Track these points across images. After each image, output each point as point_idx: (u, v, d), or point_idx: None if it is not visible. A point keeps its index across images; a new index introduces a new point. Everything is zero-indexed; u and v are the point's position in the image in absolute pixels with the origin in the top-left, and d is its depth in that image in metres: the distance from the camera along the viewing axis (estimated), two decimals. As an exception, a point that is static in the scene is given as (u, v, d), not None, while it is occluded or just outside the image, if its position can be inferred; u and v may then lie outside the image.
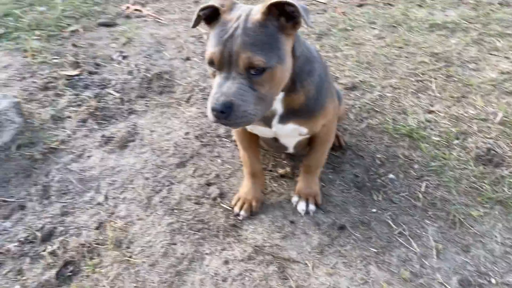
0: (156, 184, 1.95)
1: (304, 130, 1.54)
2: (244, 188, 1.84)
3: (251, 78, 1.20)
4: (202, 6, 1.30)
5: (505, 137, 2.10)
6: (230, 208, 1.82)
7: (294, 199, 1.84)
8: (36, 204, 1.86)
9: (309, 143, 1.76)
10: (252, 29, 1.18)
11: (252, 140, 1.77)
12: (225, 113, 1.18)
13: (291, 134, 1.57)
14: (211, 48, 1.21)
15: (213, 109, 1.19)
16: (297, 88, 1.41)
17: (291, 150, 1.78)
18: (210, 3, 1.28)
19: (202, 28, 3.10)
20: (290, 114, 1.47)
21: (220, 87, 1.19)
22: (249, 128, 1.61)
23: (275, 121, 1.49)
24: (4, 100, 2.12)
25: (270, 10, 1.20)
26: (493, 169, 1.94)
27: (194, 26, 1.37)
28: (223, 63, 1.20)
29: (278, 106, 1.45)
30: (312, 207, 1.80)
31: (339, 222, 1.76)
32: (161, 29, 3.13)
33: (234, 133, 1.79)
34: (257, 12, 1.21)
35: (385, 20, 3.12)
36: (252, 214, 1.80)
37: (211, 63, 1.23)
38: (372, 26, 3.08)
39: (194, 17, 1.34)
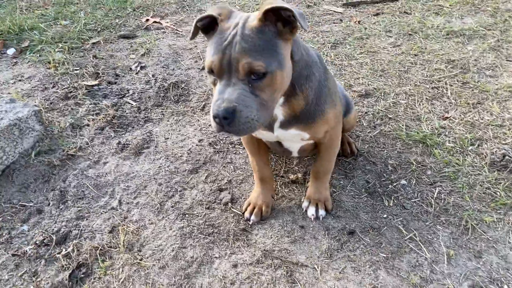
0: (169, 190, 1.99)
1: (306, 135, 1.55)
2: (254, 193, 1.86)
3: (252, 84, 1.22)
4: (199, 17, 1.33)
5: (521, 143, 2.06)
6: (240, 213, 1.84)
7: (304, 204, 1.84)
8: (53, 208, 1.92)
9: (316, 148, 1.77)
10: (250, 35, 1.20)
11: (261, 146, 1.79)
12: (228, 119, 1.18)
13: (293, 139, 1.58)
14: (210, 56, 1.23)
15: (216, 116, 1.19)
16: (297, 93, 1.42)
17: (295, 154, 1.78)
18: (208, 13, 1.31)
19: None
20: (292, 119, 1.49)
21: (221, 93, 1.20)
22: (254, 133, 1.63)
23: (276, 126, 1.51)
24: (25, 108, 2.20)
25: (267, 16, 1.22)
26: (508, 174, 1.91)
27: (192, 37, 1.40)
28: (223, 70, 1.21)
29: (279, 111, 1.47)
30: (322, 212, 1.80)
31: (349, 227, 1.76)
32: (179, 40, 3.20)
33: (243, 139, 1.81)
34: (254, 18, 1.23)
35: (401, 28, 3.11)
36: (262, 219, 1.81)
37: (211, 71, 1.25)
38: (388, 34, 3.07)
39: (192, 28, 1.37)
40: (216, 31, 1.26)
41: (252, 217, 1.80)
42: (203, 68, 2.83)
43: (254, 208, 1.82)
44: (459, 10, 3.23)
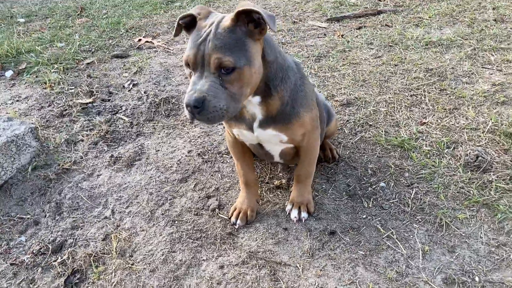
0: (159, 198, 2.08)
1: (284, 137, 1.65)
2: (240, 198, 1.95)
3: (222, 77, 1.34)
4: (181, 15, 1.47)
5: (494, 145, 2.16)
6: (227, 218, 1.93)
7: (288, 207, 1.94)
8: (49, 220, 2.01)
9: (297, 154, 1.87)
10: (222, 33, 1.33)
11: (245, 151, 1.90)
12: (199, 108, 1.30)
13: (273, 140, 1.69)
14: (187, 51, 1.36)
15: (187, 105, 1.32)
16: (272, 93, 1.54)
17: (277, 158, 1.89)
18: (189, 12, 1.44)
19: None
20: (269, 120, 1.60)
21: (194, 85, 1.33)
22: (236, 132, 1.74)
23: (255, 125, 1.62)
24: (22, 126, 2.31)
25: (239, 17, 1.35)
26: (480, 174, 2.01)
27: (176, 34, 1.53)
28: (197, 64, 1.34)
29: (257, 110, 1.58)
30: (304, 214, 1.90)
31: (330, 228, 1.85)
32: (170, 58, 3.33)
33: (228, 144, 1.92)
34: (227, 19, 1.36)
35: (382, 41, 3.25)
36: (247, 222, 1.91)
37: (187, 64, 1.38)
38: (370, 46, 3.20)
39: (175, 26, 1.50)
40: (195, 28, 1.39)
41: (238, 221, 1.90)
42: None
43: (239, 212, 1.92)
44: (438, 21, 3.36)
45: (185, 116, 1.35)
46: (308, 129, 1.68)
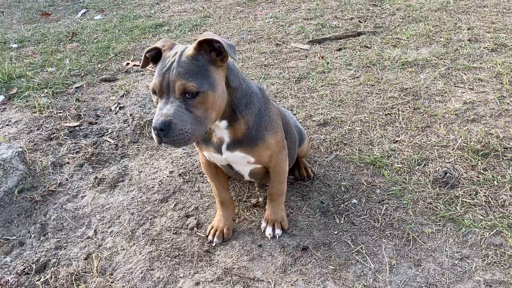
0: (140, 218, 2.16)
1: (251, 158, 1.74)
2: (216, 217, 2.04)
3: (186, 102, 1.43)
4: (147, 48, 1.57)
5: (462, 161, 2.26)
6: (205, 236, 2.01)
7: (263, 225, 2.02)
8: (34, 240, 2.09)
9: (267, 173, 1.96)
10: (186, 61, 1.43)
11: (219, 172, 1.99)
12: (165, 131, 1.39)
13: (241, 161, 1.78)
14: (154, 79, 1.46)
15: (154, 128, 1.40)
16: (238, 118, 1.63)
17: (247, 177, 1.97)
18: (154, 45, 1.55)
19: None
20: (236, 143, 1.69)
21: (160, 110, 1.42)
22: (206, 155, 1.83)
23: (224, 148, 1.71)
24: (9, 150, 2.40)
25: (201, 46, 1.45)
26: (448, 190, 2.09)
27: (143, 66, 1.63)
28: (162, 91, 1.44)
29: (225, 134, 1.68)
30: (278, 231, 1.98)
31: (303, 244, 1.93)
32: (156, 81, 3.43)
33: (202, 166, 2.00)
34: (190, 48, 1.47)
35: (360, 61, 3.36)
36: (224, 240, 1.98)
37: (154, 92, 1.47)
38: (348, 67, 3.32)
39: (142, 58, 1.60)
40: (160, 60, 1.49)
41: (215, 239, 1.98)
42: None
43: (216, 231, 2.00)
44: (415, 42, 3.49)
45: (153, 138, 1.46)
46: (274, 151, 1.77)
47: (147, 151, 2.65)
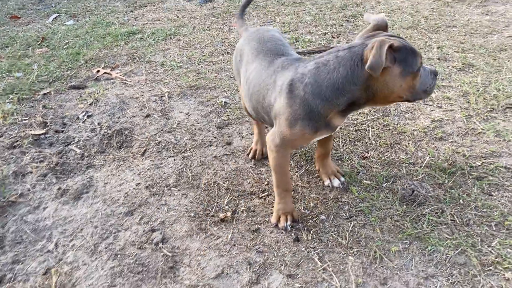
0: (104, 232, 2.10)
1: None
2: (281, 205, 2.08)
3: None
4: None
5: (430, 179, 2.28)
6: (169, 253, 1.96)
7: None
8: (-10, 254, 2.00)
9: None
10: None
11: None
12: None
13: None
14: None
15: (437, 73, 1.84)
16: None
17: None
18: None
19: (163, 87, 3.35)
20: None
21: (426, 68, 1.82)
22: (316, 139, 1.98)
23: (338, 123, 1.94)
24: (-32, 158, 2.30)
25: None
26: (415, 208, 2.11)
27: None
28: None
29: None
30: (288, 222, 2.08)
31: (269, 261, 1.90)
32: (127, 90, 3.37)
33: (281, 162, 2.00)
34: None
35: (333, 76, 3.38)
36: (295, 221, 2.09)
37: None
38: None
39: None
40: None
41: (288, 223, 2.07)
42: (147, 116, 2.99)
43: (286, 216, 2.08)
44: (386, 59, 3.53)
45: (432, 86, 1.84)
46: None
47: (114, 161, 2.58)
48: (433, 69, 1.84)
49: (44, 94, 3.38)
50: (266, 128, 2.54)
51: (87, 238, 2.07)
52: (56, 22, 5.04)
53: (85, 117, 3.04)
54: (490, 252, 1.86)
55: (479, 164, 2.34)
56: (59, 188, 2.36)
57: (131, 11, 5.26)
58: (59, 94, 3.39)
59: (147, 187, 2.36)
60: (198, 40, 4.22)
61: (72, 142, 2.78)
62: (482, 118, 2.70)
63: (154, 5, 5.40)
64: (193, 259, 1.93)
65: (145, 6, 5.39)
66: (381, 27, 1.80)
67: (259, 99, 2.01)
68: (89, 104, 3.20)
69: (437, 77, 1.90)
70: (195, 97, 3.20)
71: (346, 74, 1.72)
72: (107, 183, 2.41)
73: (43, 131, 2.88)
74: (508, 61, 3.33)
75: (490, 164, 2.33)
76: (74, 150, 2.69)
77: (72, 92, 3.41)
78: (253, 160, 2.51)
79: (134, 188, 2.35)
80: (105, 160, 2.60)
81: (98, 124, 2.94)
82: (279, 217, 2.08)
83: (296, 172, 2.42)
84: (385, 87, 1.72)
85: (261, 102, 2.00)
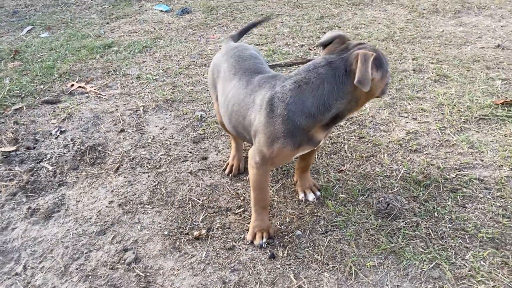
0: (75, 252, 2.04)
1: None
2: (257, 222, 2.07)
3: None
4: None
5: (405, 192, 2.28)
6: (142, 274, 1.92)
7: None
8: (-46, 278, 1.92)
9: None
10: None
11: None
12: None
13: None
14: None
15: None
16: None
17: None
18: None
19: (138, 101, 3.31)
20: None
21: None
22: (298, 154, 1.96)
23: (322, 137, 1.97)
24: None
25: None
26: (390, 222, 2.10)
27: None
28: None
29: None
30: (264, 240, 2.05)
31: (244, 279, 1.87)
32: (101, 104, 3.32)
33: (262, 176, 1.98)
34: None
35: (309, 89, 3.38)
36: (271, 238, 2.07)
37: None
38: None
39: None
40: None
41: (263, 241, 2.04)
42: (121, 131, 2.94)
43: (262, 233, 2.06)
44: (362, 70, 3.55)
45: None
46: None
47: (87, 179, 2.53)
48: None
49: (16, 109, 3.31)
50: (244, 143, 2.52)
51: (57, 259, 2.01)
52: (30, 35, 4.95)
53: (58, 132, 2.98)
54: (464, 265, 1.86)
55: (453, 176, 2.36)
56: (29, 208, 2.30)
57: (107, 23, 5.21)
58: (32, 109, 3.32)
59: (120, 205, 2.31)
60: (175, 52, 4.19)
61: (44, 159, 2.72)
62: (456, 130, 2.73)
63: (131, 17, 5.36)
64: (166, 279, 1.89)
65: (122, 18, 5.34)
66: (344, 38, 1.82)
67: (239, 119, 2.00)
68: (63, 119, 3.14)
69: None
70: (170, 111, 3.17)
71: (332, 90, 1.74)
72: (79, 201, 2.35)
73: (14, 148, 2.81)
74: (481, 72, 3.38)
75: (464, 176, 2.35)
76: (46, 167, 2.63)
77: (45, 107, 3.34)
78: (229, 175, 2.49)
79: (106, 206, 2.30)
80: (77, 177, 2.55)
81: (71, 140, 2.88)
82: (255, 234, 2.05)
83: (273, 186, 2.40)
84: (369, 94, 1.78)
85: (242, 122, 1.99)
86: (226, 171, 2.50)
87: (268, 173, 2.00)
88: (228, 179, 2.47)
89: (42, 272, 1.95)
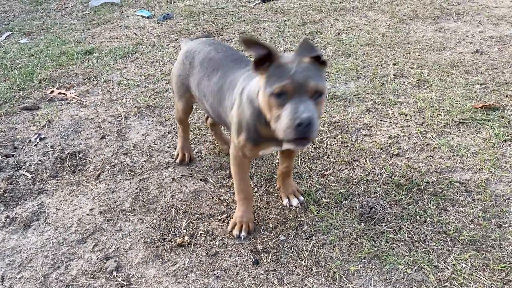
0: (55, 261, 2.00)
1: None
2: (239, 213, 2.11)
3: (314, 101, 1.56)
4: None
5: (387, 196, 2.30)
6: (124, 283, 1.89)
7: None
8: None
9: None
10: (310, 66, 1.58)
11: (248, 169, 2.12)
12: (308, 125, 1.49)
13: None
14: (283, 82, 1.54)
15: (301, 124, 1.49)
16: None
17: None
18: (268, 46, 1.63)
19: (120, 107, 3.28)
20: None
21: (297, 107, 1.52)
22: (261, 152, 1.99)
23: None
24: None
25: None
26: (373, 226, 2.11)
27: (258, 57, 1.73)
28: (295, 91, 1.54)
29: None
30: (243, 233, 2.08)
31: (228, 286, 1.85)
32: (82, 110, 3.28)
33: (238, 165, 2.04)
34: (307, 57, 1.60)
35: (292, 94, 3.39)
36: (249, 233, 2.10)
37: (282, 93, 1.55)
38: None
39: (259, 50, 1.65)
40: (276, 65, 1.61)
41: (242, 234, 2.08)
42: (103, 137, 2.90)
43: (242, 225, 2.09)
44: (344, 76, 3.58)
45: (291, 138, 1.55)
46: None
47: (67, 186, 2.49)
48: None
49: (-6, 116, 3.24)
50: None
51: (36, 269, 1.97)
52: (8, 41, 4.88)
53: (38, 140, 2.93)
54: (446, 268, 1.88)
55: (435, 179, 2.38)
56: (7, 217, 2.25)
57: (88, 29, 5.16)
58: (10, 116, 3.26)
59: (101, 212, 2.28)
60: (157, 58, 4.17)
61: (23, 167, 2.67)
62: (437, 134, 2.76)
63: (112, 23, 5.31)
64: (149, 287, 1.86)
65: (103, 24, 5.29)
66: None
67: (227, 112, 2.03)
68: (42, 126, 3.09)
69: None
70: (152, 117, 3.14)
71: None
72: (59, 209, 2.31)
73: (-8, 155, 2.76)
74: (461, 76, 3.43)
75: (445, 179, 2.37)
76: (25, 175, 2.58)
77: (24, 114, 3.29)
78: (212, 181, 2.47)
79: (87, 214, 2.27)
80: (57, 185, 2.50)
81: (51, 147, 2.83)
82: (235, 225, 2.10)
83: (256, 192, 2.39)
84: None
85: (227, 113, 2.06)
86: (178, 160, 2.61)
87: (244, 164, 2.06)
88: (211, 185, 2.45)
89: (21, 283, 1.90)
